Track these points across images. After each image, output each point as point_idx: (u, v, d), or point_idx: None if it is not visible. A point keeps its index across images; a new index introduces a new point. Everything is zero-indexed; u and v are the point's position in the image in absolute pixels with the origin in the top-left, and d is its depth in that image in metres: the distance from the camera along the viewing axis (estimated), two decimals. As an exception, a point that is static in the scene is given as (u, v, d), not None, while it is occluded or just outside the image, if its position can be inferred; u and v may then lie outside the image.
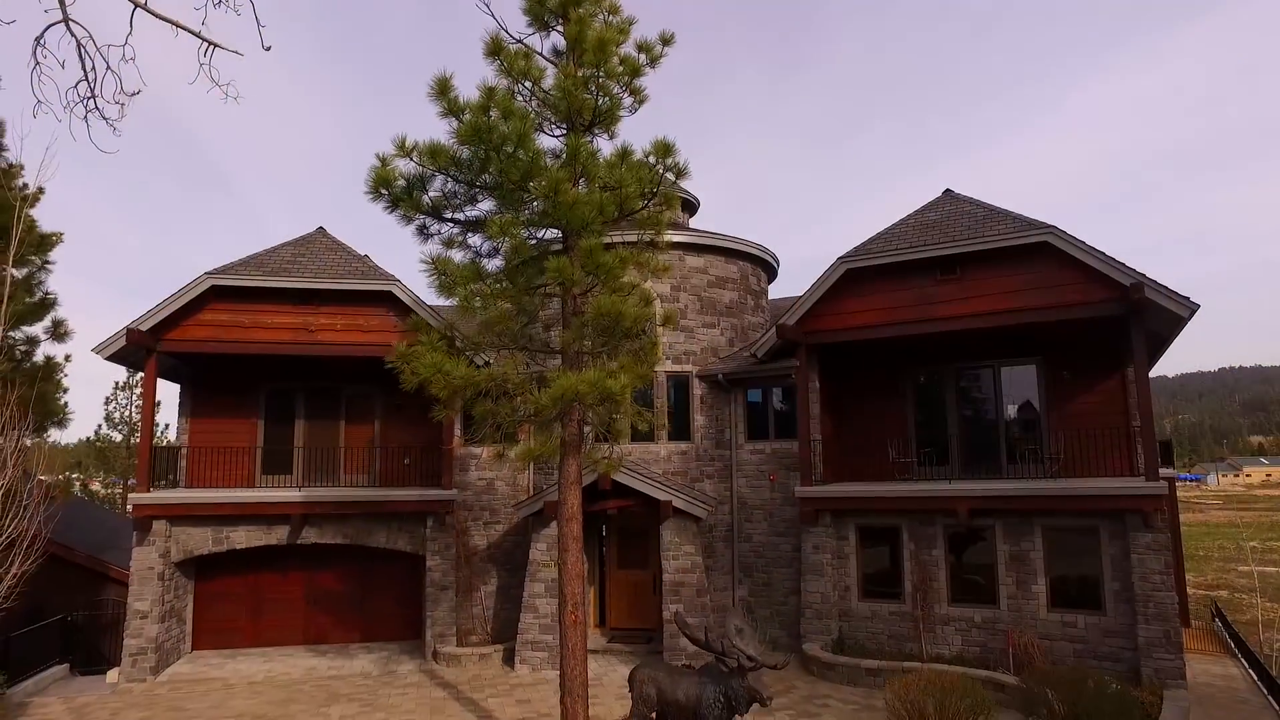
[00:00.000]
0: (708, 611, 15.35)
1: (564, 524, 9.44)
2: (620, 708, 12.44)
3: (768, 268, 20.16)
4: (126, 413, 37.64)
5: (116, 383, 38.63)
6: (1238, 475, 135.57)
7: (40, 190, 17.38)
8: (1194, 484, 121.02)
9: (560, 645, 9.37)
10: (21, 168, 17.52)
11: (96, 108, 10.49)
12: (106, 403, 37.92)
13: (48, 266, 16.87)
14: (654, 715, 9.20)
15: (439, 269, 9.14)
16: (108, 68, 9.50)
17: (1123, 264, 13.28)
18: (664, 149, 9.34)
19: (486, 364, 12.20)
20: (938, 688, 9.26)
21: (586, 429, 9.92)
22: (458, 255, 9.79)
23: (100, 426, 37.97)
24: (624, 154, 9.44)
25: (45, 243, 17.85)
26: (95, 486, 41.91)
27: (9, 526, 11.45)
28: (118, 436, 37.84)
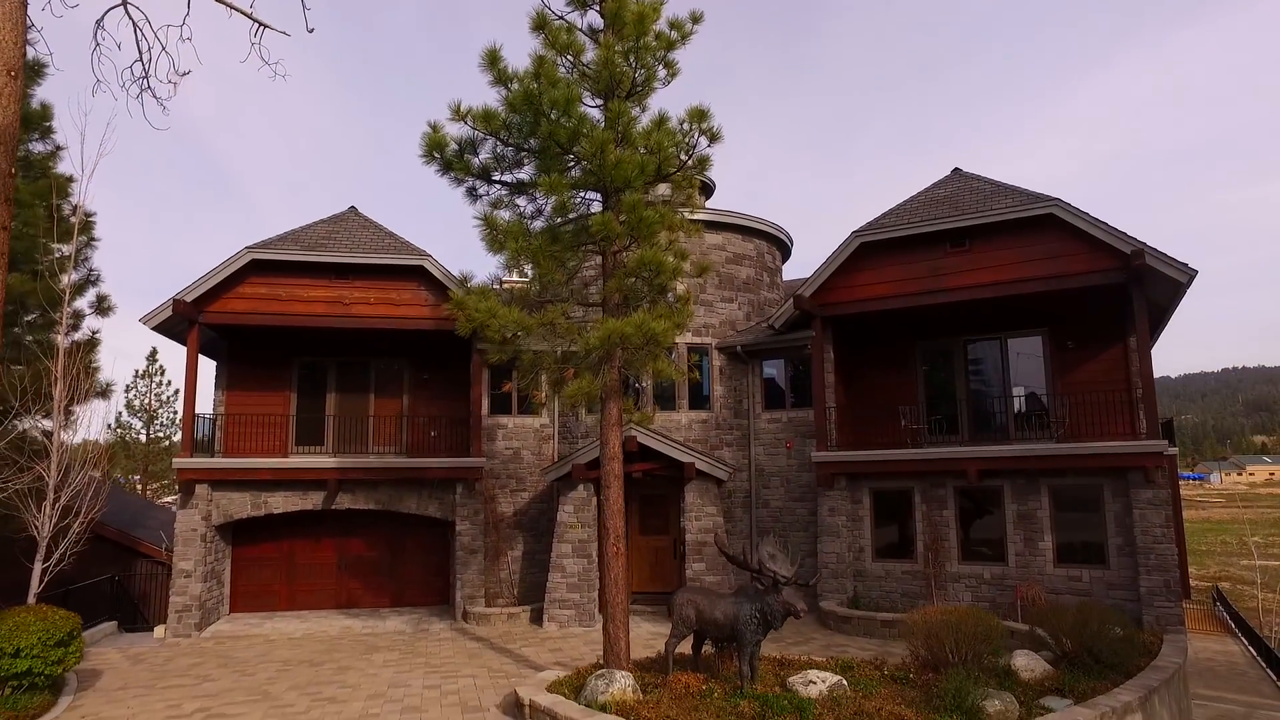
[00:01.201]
0: (729, 571, 16.02)
1: (606, 462, 10.17)
2: (648, 653, 13.10)
3: (782, 246, 20.86)
4: (147, 400, 38.40)
5: (136, 370, 39.43)
6: (1241, 473, 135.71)
7: (70, 178, 18.17)
8: (1197, 483, 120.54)
9: (601, 575, 10.09)
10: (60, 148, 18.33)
11: (149, 87, 11.29)
12: (127, 390, 38.75)
13: (93, 243, 17.62)
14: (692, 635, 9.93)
15: (489, 224, 9.86)
16: (163, 49, 10.30)
17: (1124, 233, 13.95)
18: (699, 114, 10.07)
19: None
20: (953, 615, 9.98)
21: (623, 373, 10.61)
22: (505, 215, 10.53)
23: (121, 414, 38.74)
24: (661, 120, 10.16)
25: (87, 222, 18.58)
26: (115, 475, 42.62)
27: (77, 478, 12.19)
28: (139, 424, 38.62)
